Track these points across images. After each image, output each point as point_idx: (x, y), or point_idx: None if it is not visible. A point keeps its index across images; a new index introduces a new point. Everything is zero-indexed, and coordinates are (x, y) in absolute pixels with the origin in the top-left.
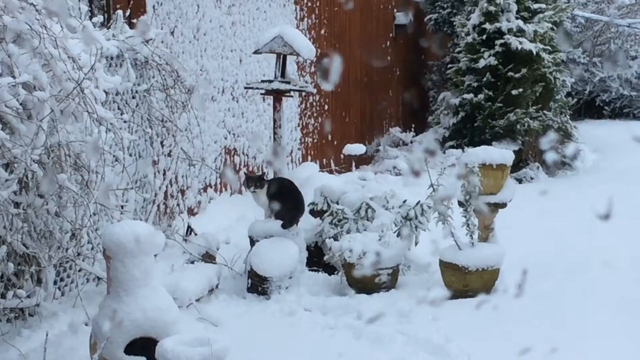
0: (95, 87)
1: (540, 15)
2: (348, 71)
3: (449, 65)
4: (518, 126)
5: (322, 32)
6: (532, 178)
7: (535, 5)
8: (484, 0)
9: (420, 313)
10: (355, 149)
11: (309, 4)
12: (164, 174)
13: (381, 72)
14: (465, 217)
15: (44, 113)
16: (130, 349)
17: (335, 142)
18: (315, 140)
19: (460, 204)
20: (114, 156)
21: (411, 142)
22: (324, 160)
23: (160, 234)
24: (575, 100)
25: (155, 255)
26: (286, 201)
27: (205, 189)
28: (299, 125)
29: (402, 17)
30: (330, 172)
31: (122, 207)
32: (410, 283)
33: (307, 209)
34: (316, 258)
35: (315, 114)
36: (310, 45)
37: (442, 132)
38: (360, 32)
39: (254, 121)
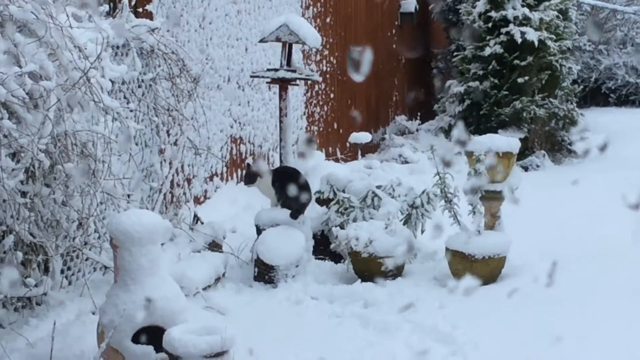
0: (102, 76)
1: (546, 3)
2: None
3: (455, 53)
4: (524, 114)
5: (328, 20)
6: (537, 166)
7: None
8: None
9: (427, 300)
10: (362, 137)
11: None
12: (170, 163)
13: (387, 61)
14: (471, 204)
15: (51, 102)
16: (138, 337)
17: (340, 131)
18: (321, 129)
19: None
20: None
21: (417, 130)
22: (330, 148)
23: (167, 222)
24: (581, 87)
25: (162, 244)
26: (292, 189)
27: (211, 178)
28: (304, 114)
29: (408, 5)
30: (336, 160)
31: (128, 196)
32: (417, 271)
33: (313, 197)
34: (322, 246)
35: (321, 103)
36: (316, 33)
37: (447, 120)
38: (365, 21)
39: (260, 110)
